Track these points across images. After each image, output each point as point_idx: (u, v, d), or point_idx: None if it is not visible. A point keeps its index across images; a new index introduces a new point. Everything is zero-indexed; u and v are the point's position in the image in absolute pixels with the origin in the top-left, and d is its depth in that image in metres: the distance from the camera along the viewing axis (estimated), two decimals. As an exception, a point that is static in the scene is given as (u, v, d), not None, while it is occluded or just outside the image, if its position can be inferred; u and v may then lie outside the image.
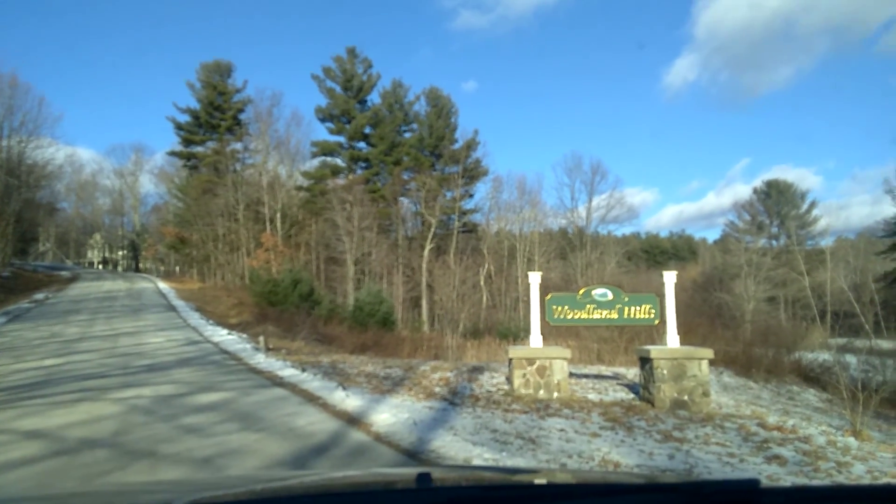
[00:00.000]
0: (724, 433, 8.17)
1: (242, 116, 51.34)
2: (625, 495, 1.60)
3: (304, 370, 12.11)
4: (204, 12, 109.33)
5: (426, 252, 45.84)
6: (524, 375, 10.30)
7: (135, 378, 11.06)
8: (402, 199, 50.88)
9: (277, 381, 10.90)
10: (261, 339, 16.90)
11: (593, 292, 10.69)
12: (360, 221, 41.26)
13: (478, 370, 13.32)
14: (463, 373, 12.70)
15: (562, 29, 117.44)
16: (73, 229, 75.37)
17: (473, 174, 51.66)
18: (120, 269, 71.29)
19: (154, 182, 67.87)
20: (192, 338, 18.15)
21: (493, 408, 8.87)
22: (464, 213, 51.04)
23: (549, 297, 10.82)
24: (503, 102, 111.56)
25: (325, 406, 8.57)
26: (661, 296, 10.64)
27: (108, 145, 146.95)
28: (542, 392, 10.23)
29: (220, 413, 8.08)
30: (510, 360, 10.58)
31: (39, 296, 32.10)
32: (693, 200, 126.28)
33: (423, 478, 1.53)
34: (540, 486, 1.81)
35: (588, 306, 10.72)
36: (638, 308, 10.63)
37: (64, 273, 50.30)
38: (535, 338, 10.64)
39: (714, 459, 6.83)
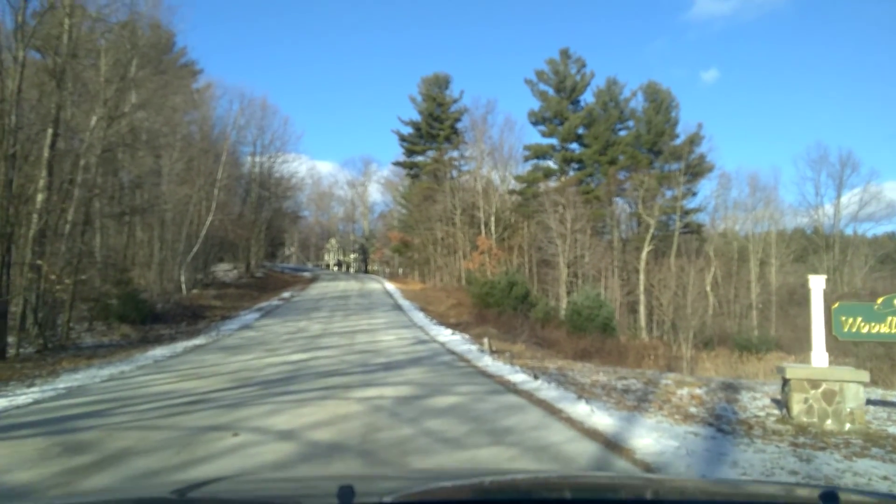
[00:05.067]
0: None
1: (459, 125, 53.27)
2: None
3: (536, 377, 11.44)
4: (423, 27, 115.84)
5: (644, 254, 43.24)
6: (806, 400, 8.52)
7: (373, 377, 11.26)
8: (617, 199, 48.74)
9: (511, 388, 10.36)
10: (485, 340, 16.69)
11: (899, 302, 8.57)
12: (572, 224, 40.12)
13: (732, 388, 11.57)
14: (714, 390, 11.08)
15: (818, 5, 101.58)
16: (313, 235, 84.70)
17: (697, 171, 47.68)
18: (352, 270, 78.08)
19: (381, 191, 74.24)
20: (420, 337, 18.57)
21: (776, 440, 7.34)
22: (686, 212, 47.24)
23: (835, 306, 8.91)
24: (738, 92, 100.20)
25: (570, 421, 7.75)
26: None
27: (342, 158, 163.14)
28: (829, 422, 8.38)
29: (462, 420, 7.65)
30: (786, 380, 8.85)
31: (286, 294, 35.93)
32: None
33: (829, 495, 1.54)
34: None
35: (890, 318, 8.65)
36: (964, 322, 8.30)
37: (306, 274, 56.37)
38: (819, 355, 8.78)
39: None
